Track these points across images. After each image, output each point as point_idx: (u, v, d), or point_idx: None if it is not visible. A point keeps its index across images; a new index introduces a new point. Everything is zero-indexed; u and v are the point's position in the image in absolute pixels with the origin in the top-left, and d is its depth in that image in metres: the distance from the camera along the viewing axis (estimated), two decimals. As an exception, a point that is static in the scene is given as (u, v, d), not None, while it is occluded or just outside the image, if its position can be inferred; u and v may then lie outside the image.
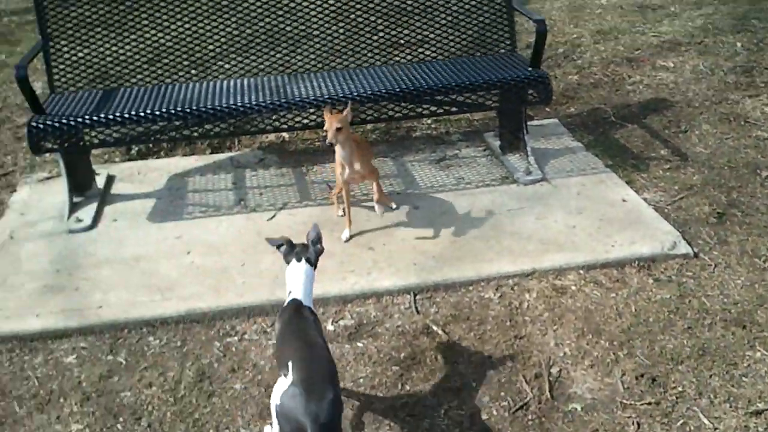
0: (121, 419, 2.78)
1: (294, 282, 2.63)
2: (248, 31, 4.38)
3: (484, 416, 2.75)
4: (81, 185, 4.17)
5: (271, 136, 4.87)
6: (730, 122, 4.89)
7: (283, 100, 3.90)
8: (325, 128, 3.49)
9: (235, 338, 3.16)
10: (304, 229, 3.66)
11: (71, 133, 3.84)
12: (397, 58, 4.49)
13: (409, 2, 4.50)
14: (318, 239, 2.75)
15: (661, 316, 3.19)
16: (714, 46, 6.20)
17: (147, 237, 3.83)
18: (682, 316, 3.19)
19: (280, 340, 2.54)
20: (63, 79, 4.19)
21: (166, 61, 4.31)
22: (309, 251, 2.70)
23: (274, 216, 3.98)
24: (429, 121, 5.06)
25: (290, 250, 2.71)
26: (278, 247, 2.73)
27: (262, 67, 4.37)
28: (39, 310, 3.29)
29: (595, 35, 6.60)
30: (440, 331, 3.15)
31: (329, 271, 3.45)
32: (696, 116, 5.00)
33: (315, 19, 4.41)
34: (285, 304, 2.62)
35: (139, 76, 4.29)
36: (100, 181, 4.32)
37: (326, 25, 4.42)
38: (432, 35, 4.51)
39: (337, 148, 3.58)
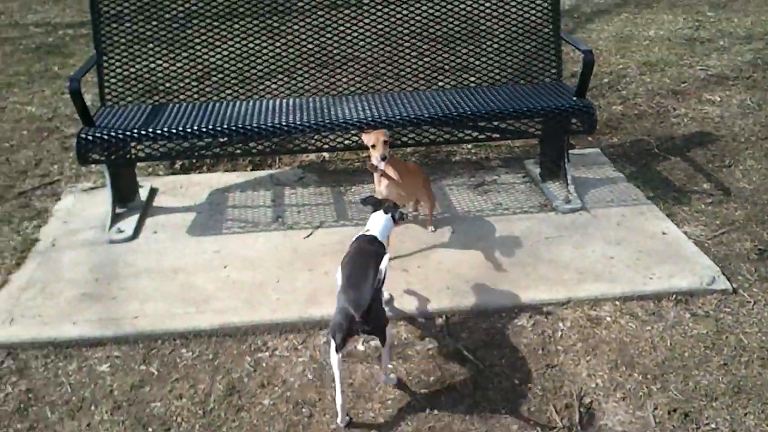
0: (150, 429, 2.82)
1: (375, 224, 3.15)
2: (296, 52, 4.45)
3: (512, 444, 2.72)
4: (124, 197, 4.27)
5: (312, 156, 4.93)
6: (776, 158, 4.81)
7: (326, 121, 3.94)
8: (371, 143, 3.53)
9: (266, 354, 3.18)
10: (341, 248, 3.71)
11: (119, 146, 3.93)
12: (441, 83, 4.52)
13: (456, 28, 4.53)
14: (402, 215, 3.26)
15: (697, 352, 3.13)
16: (763, 81, 6.11)
17: (186, 250, 3.89)
18: (719, 352, 3.13)
19: (346, 258, 2.99)
20: (113, 93, 4.30)
21: (215, 79, 4.40)
22: (395, 210, 3.22)
23: (311, 234, 4.02)
24: (469, 146, 5.07)
25: (378, 204, 3.25)
26: (364, 201, 3.30)
27: (307, 87, 4.44)
28: (76, 317, 3.36)
29: (641, 66, 6.56)
30: (471, 357, 3.13)
31: (362, 291, 3.46)
32: (741, 151, 4.92)
33: (361, 43, 4.47)
34: (359, 234, 3.12)
35: (188, 93, 4.39)
36: (143, 193, 4.41)
37: (372, 48, 4.48)
38: (477, 62, 4.53)
39: (387, 168, 3.63)
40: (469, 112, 3.99)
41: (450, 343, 3.22)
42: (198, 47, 4.40)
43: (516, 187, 4.51)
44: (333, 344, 2.71)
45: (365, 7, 4.48)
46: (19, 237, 4.05)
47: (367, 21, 4.47)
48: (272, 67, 4.45)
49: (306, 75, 4.45)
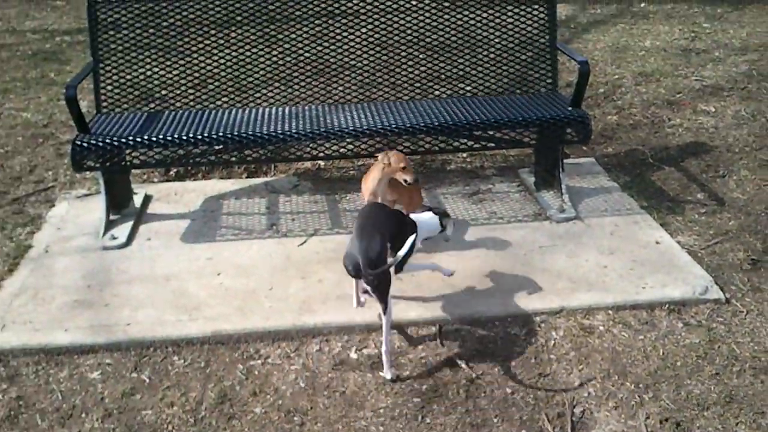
0: (141, 436, 2.81)
1: (421, 216, 3.43)
2: (292, 60, 4.47)
3: (503, 453, 2.72)
4: (118, 203, 4.26)
5: (307, 164, 4.94)
6: (770, 169, 4.82)
7: (321, 129, 3.95)
8: (401, 165, 3.61)
9: (259, 362, 3.17)
10: (335, 256, 3.74)
11: (114, 153, 3.92)
12: (437, 93, 4.53)
13: (452, 38, 4.55)
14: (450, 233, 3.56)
15: (689, 361, 3.13)
16: (757, 92, 6.13)
17: (179, 257, 3.88)
18: (711, 361, 3.13)
19: (366, 213, 3.27)
20: (109, 100, 4.31)
21: (211, 86, 4.41)
22: (439, 211, 3.50)
23: (305, 242, 4.02)
24: (464, 155, 5.07)
25: (431, 209, 3.53)
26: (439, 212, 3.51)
27: (303, 96, 4.45)
28: (68, 324, 3.35)
29: (636, 77, 6.58)
30: (464, 365, 3.13)
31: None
32: (735, 161, 4.94)
33: (358, 51, 4.48)
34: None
35: (184, 101, 4.39)
36: (137, 200, 4.41)
37: (368, 57, 4.49)
38: (473, 71, 4.55)
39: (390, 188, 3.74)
40: (465, 122, 4.00)
41: (443, 352, 3.22)
42: (195, 55, 4.41)
43: (510, 196, 4.51)
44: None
45: (362, 16, 4.50)
46: (12, 243, 4.04)
47: (363, 30, 4.48)
48: (268, 75, 4.46)
49: (302, 83, 4.46)
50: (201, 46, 4.42)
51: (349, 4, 4.49)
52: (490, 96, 4.48)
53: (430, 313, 3.42)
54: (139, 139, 3.83)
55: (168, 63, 4.40)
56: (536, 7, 4.52)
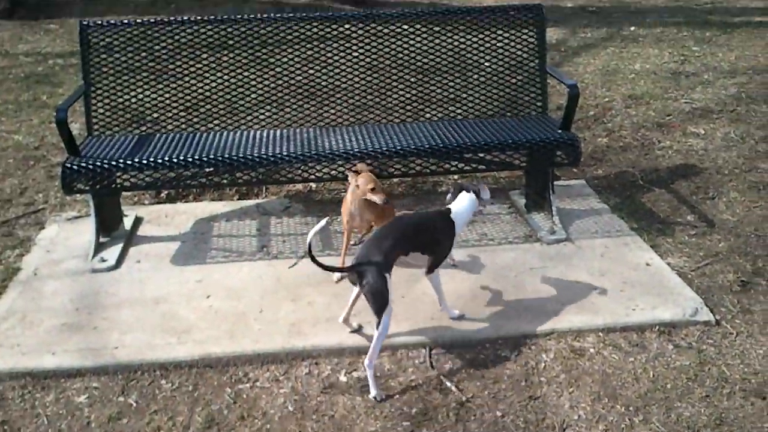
0: (127, 460, 2.78)
1: (458, 203, 3.44)
2: (284, 84, 4.48)
3: (493, 477, 2.70)
4: (108, 226, 4.25)
5: (298, 186, 4.94)
6: (759, 191, 4.84)
7: (313, 152, 3.97)
8: (369, 187, 3.56)
9: (247, 385, 3.15)
10: (325, 278, 3.74)
11: (104, 175, 3.93)
12: (428, 115, 4.55)
13: (444, 61, 4.58)
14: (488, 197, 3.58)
15: (679, 383, 3.12)
16: (746, 115, 6.17)
17: (168, 279, 3.87)
18: (701, 383, 3.12)
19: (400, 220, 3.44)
20: (101, 123, 4.32)
21: (203, 109, 4.42)
22: (476, 186, 3.49)
23: (295, 264, 4.01)
24: (455, 177, 5.08)
25: (460, 187, 3.51)
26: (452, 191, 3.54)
27: (295, 119, 4.47)
28: (55, 348, 3.32)
29: (626, 99, 6.62)
30: (454, 388, 3.12)
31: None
32: (725, 183, 4.96)
33: (350, 74, 4.51)
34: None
35: (175, 123, 4.41)
36: (127, 222, 4.40)
37: (360, 80, 4.52)
38: (464, 94, 4.58)
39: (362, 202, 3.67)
40: (456, 145, 4.03)
41: (433, 375, 3.20)
42: (186, 78, 4.44)
43: (501, 218, 4.52)
44: None
45: (353, 40, 4.53)
46: (1, 266, 4.02)
47: (355, 53, 4.51)
48: (261, 98, 4.48)
49: (294, 106, 4.48)
50: (193, 69, 4.44)
51: (341, 28, 4.53)
52: (481, 119, 4.51)
53: (419, 336, 3.40)
54: (129, 162, 3.84)
55: (160, 86, 4.42)
56: (526, 31, 4.57)
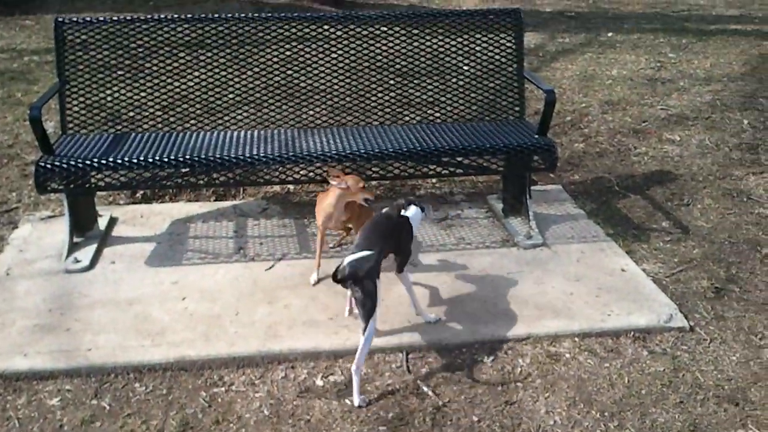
0: (100, 465, 2.75)
1: (410, 211, 3.52)
2: (263, 84, 4.46)
3: (469, 483, 2.70)
4: (83, 226, 4.20)
5: (276, 187, 4.91)
6: (733, 198, 4.90)
7: (291, 153, 3.94)
8: (360, 186, 3.65)
9: (222, 389, 3.12)
10: (302, 280, 3.73)
11: (78, 175, 3.87)
12: (407, 118, 4.55)
13: (423, 64, 4.58)
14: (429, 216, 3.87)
15: (654, 389, 3.14)
16: (721, 122, 6.25)
17: (143, 281, 3.83)
18: (675, 389, 3.14)
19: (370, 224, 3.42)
20: (76, 121, 4.26)
21: (180, 109, 4.38)
22: (423, 204, 3.61)
23: (272, 266, 3.99)
24: (433, 181, 5.09)
25: (410, 202, 3.58)
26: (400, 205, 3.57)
27: (273, 119, 4.44)
28: (28, 349, 3.27)
29: (603, 105, 6.67)
30: (430, 393, 3.11)
31: (322, 325, 3.44)
32: (699, 190, 5.01)
33: (329, 76, 4.49)
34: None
35: (151, 122, 4.36)
36: (102, 223, 4.35)
37: (339, 81, 4.50)
38: (443, 98, 4.58)
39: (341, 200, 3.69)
40: (434, 148, 4.02)
41: (409, 379, 3.20)
42: (163, 77, 4.38)
43: (479, 222, 4.53)
44: None
45: (332, 42, 4.51)
46: (-27, 265, 3.96)
47: (334, 55, 4.50)
48: (238, 98, 4.45)
49: (272, 107, 4.45)
50: (170, 68, 4.39)
51: (320, 29, 4.51)
52: (459, 122, 4.51)
53: (396, 340, 3.40)
54: (104, 161, 3.79)
55: (136, 84, 4.37)
56: (505, 35, 4.58)
